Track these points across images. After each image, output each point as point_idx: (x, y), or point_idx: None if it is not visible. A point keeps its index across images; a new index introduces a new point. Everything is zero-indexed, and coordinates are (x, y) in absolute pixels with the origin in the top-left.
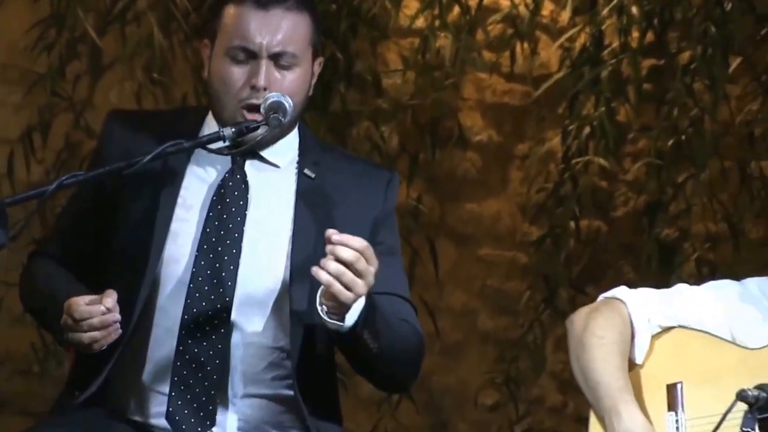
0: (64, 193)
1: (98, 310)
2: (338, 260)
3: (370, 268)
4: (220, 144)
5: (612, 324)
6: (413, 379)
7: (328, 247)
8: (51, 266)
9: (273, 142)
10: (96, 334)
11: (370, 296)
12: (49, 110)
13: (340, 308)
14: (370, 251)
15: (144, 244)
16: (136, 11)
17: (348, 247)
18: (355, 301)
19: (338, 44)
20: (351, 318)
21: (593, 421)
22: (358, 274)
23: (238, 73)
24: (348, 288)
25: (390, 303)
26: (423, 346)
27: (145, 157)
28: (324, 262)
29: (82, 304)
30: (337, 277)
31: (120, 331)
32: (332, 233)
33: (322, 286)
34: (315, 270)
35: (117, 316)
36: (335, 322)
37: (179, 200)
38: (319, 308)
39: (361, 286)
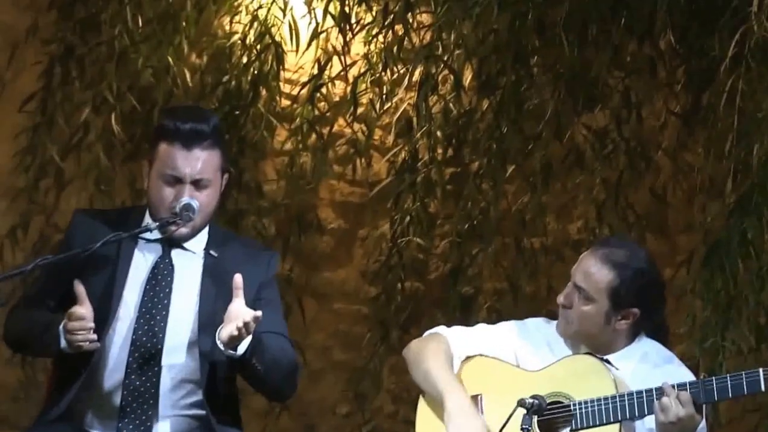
0: (40, 270)
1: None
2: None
3: (254, 326)
4: (155, 235)
5: (439, 346)
6: (292, 390)
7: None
8: (34, 312)
9: (193, 236)
10: (87, 335)
11: (257, 335)
12: (28, 214)
13: (233, 345)
14: (257, 320)
15: (104, 307)
16: (88, 142)
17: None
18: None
19: (230, 162)
20: (242, 349)
21: (418, 418)
22: (249, 329)
23: (168, 191)
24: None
25: (274, 338)
26: (297, 367)
27: (95, 245)
28: (243, 321)
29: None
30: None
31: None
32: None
33: (218, 330)
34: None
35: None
36: (231, 352)
37: (129, 277)
38: (219, 344)
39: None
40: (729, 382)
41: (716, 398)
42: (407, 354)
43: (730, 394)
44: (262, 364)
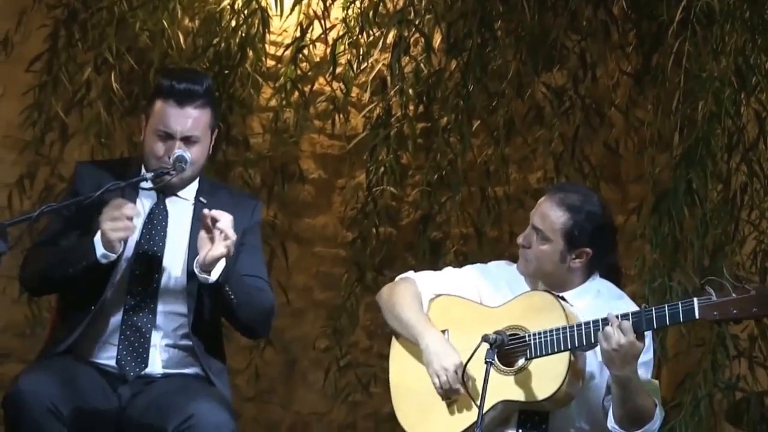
0: (45, 217)
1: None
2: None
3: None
4: (149, 184)
5: (408, 290)
6: (265, 330)
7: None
8: (52, 247)
9: (184, 186)
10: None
11: (229, 266)
12: (34, 165)
13: (209, 268)
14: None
15: None
16: (90, 99)
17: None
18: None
19: (220, 117)
20: (215, 274)
21: (392, 354)
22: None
23: (160, 146)
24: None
25: (252, 280)
26: (273, 307)
27: (95, 193)
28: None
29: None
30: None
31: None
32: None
33: (197, 258)
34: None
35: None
36: (205, 276)
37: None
38: (195, 269)
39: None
40: (667, 311)
41: (655, 326)
42: (380, 300)
43: (668, 322)
44: (235, 294)
